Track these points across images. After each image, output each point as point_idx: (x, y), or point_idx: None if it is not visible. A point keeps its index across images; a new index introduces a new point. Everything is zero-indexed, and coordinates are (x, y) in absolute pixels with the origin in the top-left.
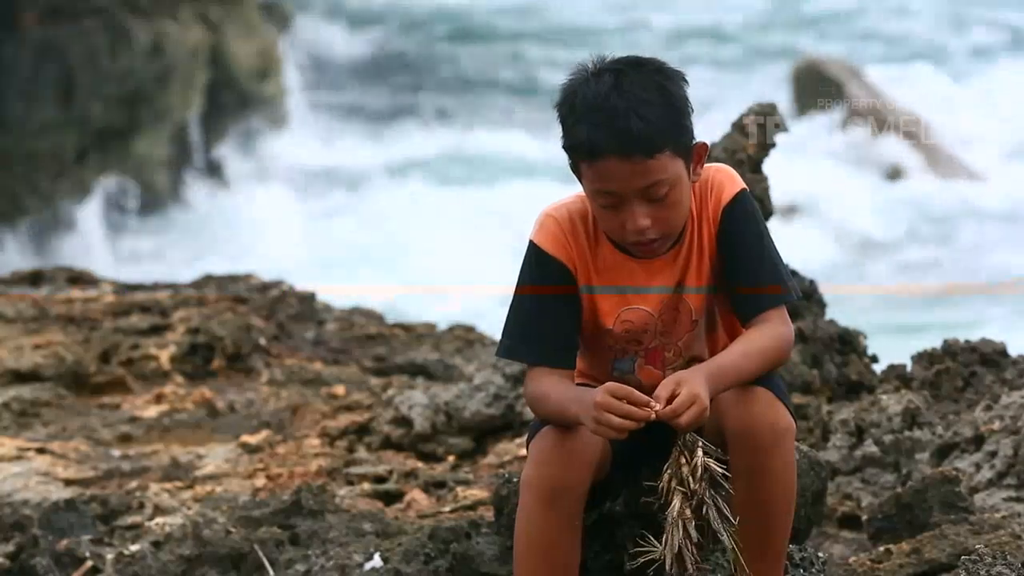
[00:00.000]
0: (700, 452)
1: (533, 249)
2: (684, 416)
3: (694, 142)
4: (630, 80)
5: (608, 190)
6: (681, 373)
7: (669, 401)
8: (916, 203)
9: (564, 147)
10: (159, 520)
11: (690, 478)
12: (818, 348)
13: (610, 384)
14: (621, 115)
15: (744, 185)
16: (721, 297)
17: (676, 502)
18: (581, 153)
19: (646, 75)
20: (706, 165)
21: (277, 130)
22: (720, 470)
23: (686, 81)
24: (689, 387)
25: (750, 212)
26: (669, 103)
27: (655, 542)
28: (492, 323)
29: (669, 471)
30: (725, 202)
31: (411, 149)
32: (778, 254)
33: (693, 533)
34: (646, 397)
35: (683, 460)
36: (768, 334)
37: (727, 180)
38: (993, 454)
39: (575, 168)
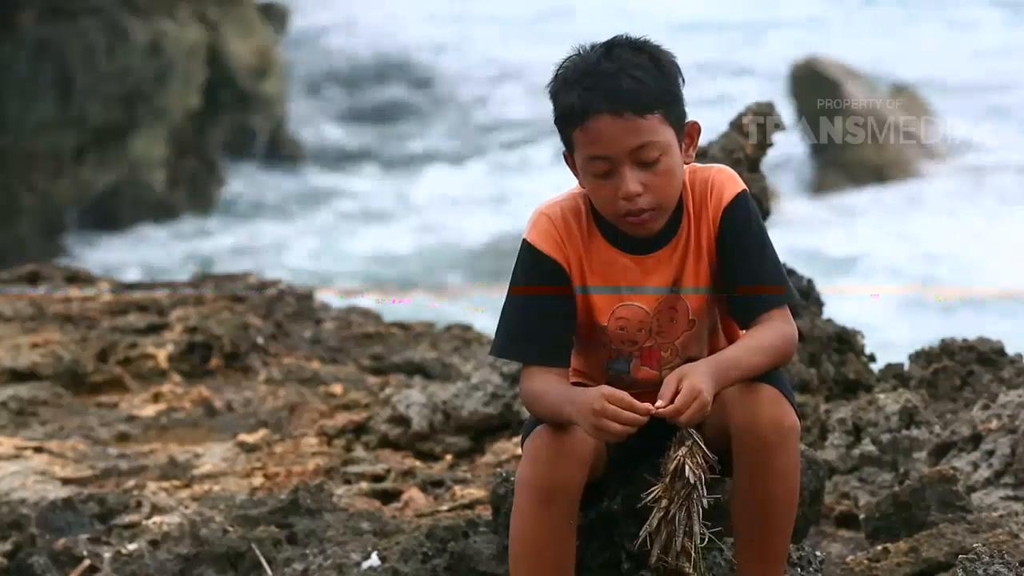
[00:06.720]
0: (683, 451)
1: (527, 247)
2: (686, 414)
3: (686, 120)
4: (620, 49)
5: (600, 154)
6: (685, 367)
7: (672, 399)
8: None
9: (556, 121)
10: (157, 519)
11: (671, 474)
12: (816, 347)
13: (607, 390)
14: (612, 75)
15: (744, 186)
16: (721, 299)
17: (657, 491)
18: (573, 117)
19: (636, 47)
20: (707, 165)
21: None
22: (697, 474)
23: (677, 64)
24: (691, 382)
25: (751, 213)
26: (659, 70)
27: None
28: None
29: (663, 459)
30: (726, 203)
31: None
32: (777, 255)
33: (662, 527)
34: (646, 405)
35: (671, 454)
36: (774, 332)
37: (728, 181)
38: (991, 453)
39: (567, 142)
